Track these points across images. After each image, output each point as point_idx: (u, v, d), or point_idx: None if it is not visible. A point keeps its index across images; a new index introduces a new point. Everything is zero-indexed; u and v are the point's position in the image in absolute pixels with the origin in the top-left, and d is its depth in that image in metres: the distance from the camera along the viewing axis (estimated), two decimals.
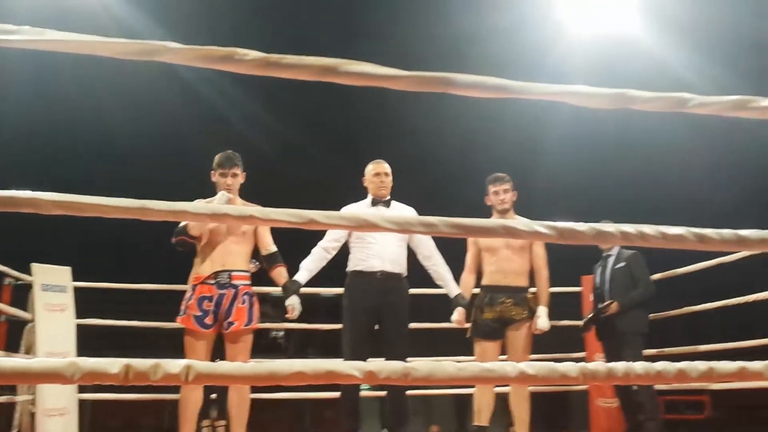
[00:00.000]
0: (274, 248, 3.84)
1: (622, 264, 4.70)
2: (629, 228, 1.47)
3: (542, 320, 4.09)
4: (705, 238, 1.50)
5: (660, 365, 1.46)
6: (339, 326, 4.16)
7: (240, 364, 1.25)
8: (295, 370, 1.24)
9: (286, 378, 1.22)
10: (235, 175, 3.72)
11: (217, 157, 3.77)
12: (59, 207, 1.25)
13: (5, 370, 1.18)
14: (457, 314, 4.13)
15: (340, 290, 4.24)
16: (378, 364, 1.30)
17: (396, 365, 1.30)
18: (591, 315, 4.74)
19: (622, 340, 4.56)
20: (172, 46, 1.34)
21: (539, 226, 1.47)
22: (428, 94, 1.54)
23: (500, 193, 4.18)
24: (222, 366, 1.25)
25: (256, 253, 3.94)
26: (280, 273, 3.83)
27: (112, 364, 1.19)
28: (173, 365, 1.22)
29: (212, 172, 3.77)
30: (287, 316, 3.85)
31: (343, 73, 1.43)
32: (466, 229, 1.40)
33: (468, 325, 4.22)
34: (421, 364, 1.31)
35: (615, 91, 1.53)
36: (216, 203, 3.60)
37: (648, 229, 1.47)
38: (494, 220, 1.41)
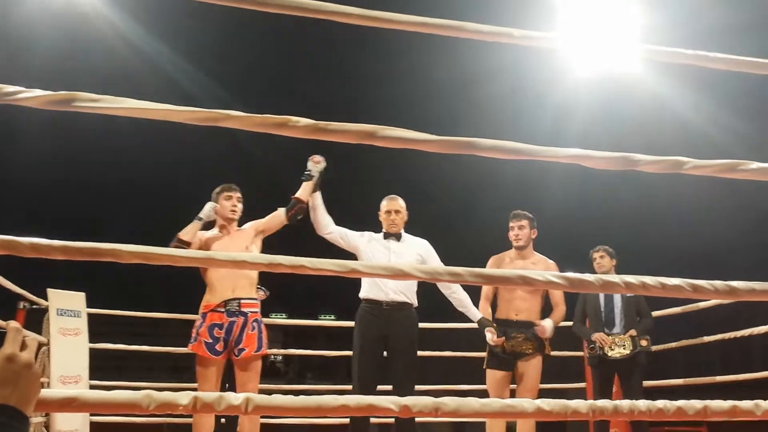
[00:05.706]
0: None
1: (631, 294, 4.80)
2: (632, 279, 1.65)
3: (547, 322, 4.17)
4: (699, 288, 1.68)
5: (660, 403, 1.63)
6: (337, 353, 4.26)
7: (292, 398, 1.41)
8: (340, 404, 1.41)
9: (334, 410, 1.39)
10: (240, 199, 3.92)
11: (218, 187, 3.95)
12: (136, 257, 1.42)
13: (90, 400, 1.35)
14: (490, 333, 4.18)
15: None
16: (412, 399, 1.47)
17: (427, 401, 1.47)
18: (635, 350, 4.66)
19: (621, 372, 4.71)
20: (234, 114, 1.53)
21: (552, 276, 1.66)
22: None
23: (515, 229, 4.31)
24: (276, 399, 1.41)
25: (262, 281, 4.09)
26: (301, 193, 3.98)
27: (182, 397, 1.36)
28: (234, 398, 1.39)
29: (216, 195, 3.92)
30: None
31: (380, 137, 1.62)
32: (487, 278, 1.58)
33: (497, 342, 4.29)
34: (449, 400, 1.48)
35: (620, 155, 1.73)
36: (204, 213, 3.84)
37: (649, 280, 1.65)
38: (512, 271, 1.59)
